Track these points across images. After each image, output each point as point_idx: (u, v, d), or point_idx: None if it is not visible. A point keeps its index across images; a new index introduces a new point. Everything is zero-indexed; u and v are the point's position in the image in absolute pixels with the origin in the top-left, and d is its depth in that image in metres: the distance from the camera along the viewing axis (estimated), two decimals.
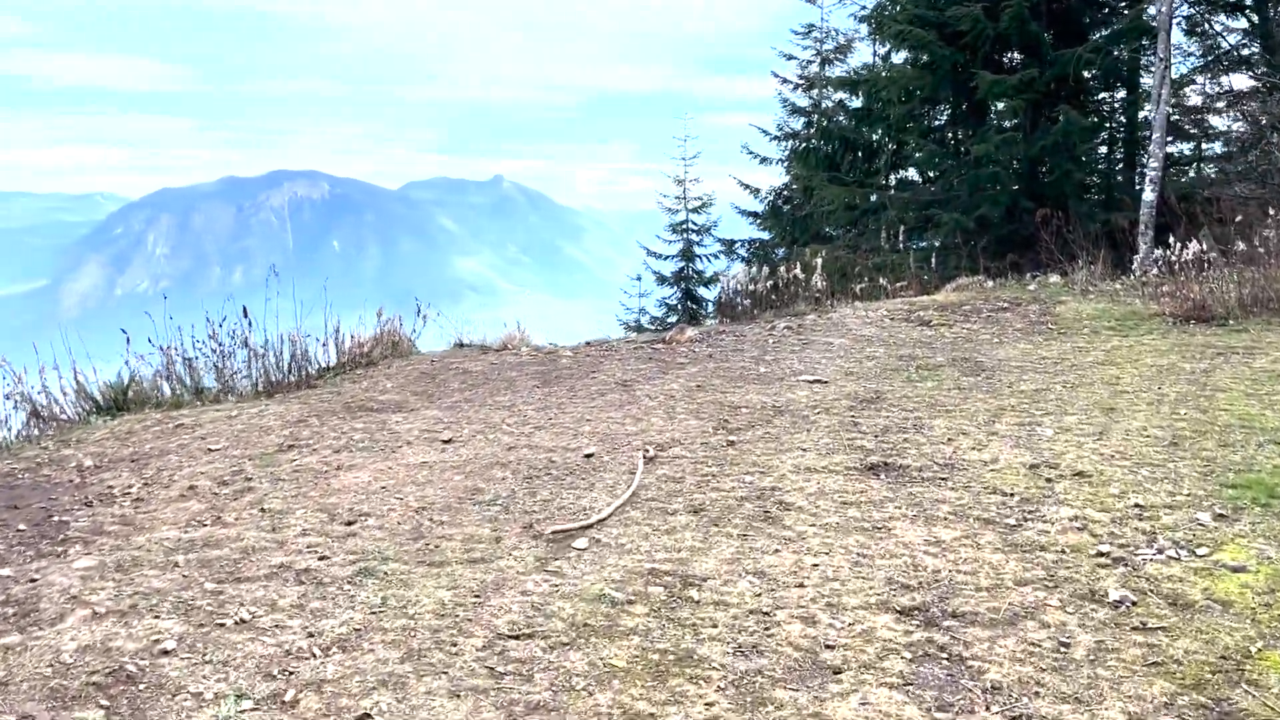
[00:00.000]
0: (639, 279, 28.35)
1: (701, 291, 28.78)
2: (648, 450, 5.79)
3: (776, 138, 27.78)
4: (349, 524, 4.57)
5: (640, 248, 29.38)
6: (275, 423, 6.60)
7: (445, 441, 5.98)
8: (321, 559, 4.12)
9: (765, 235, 28.57)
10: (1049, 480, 5.22)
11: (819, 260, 13.12)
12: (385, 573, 3.98)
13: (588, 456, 5.68)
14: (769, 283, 12.72)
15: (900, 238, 15.37)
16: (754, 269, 29.15)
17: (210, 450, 5.93)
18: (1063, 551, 4.26)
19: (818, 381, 7.78)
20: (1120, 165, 21.12)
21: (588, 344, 9.92)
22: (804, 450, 5.81)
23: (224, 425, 6.58)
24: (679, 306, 28.58)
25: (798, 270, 12.71)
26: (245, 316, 8.67)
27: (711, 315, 28.18)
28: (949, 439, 6.07)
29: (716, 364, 8.62)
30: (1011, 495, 5.00)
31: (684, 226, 28.69)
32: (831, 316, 11.55)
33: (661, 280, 28.46)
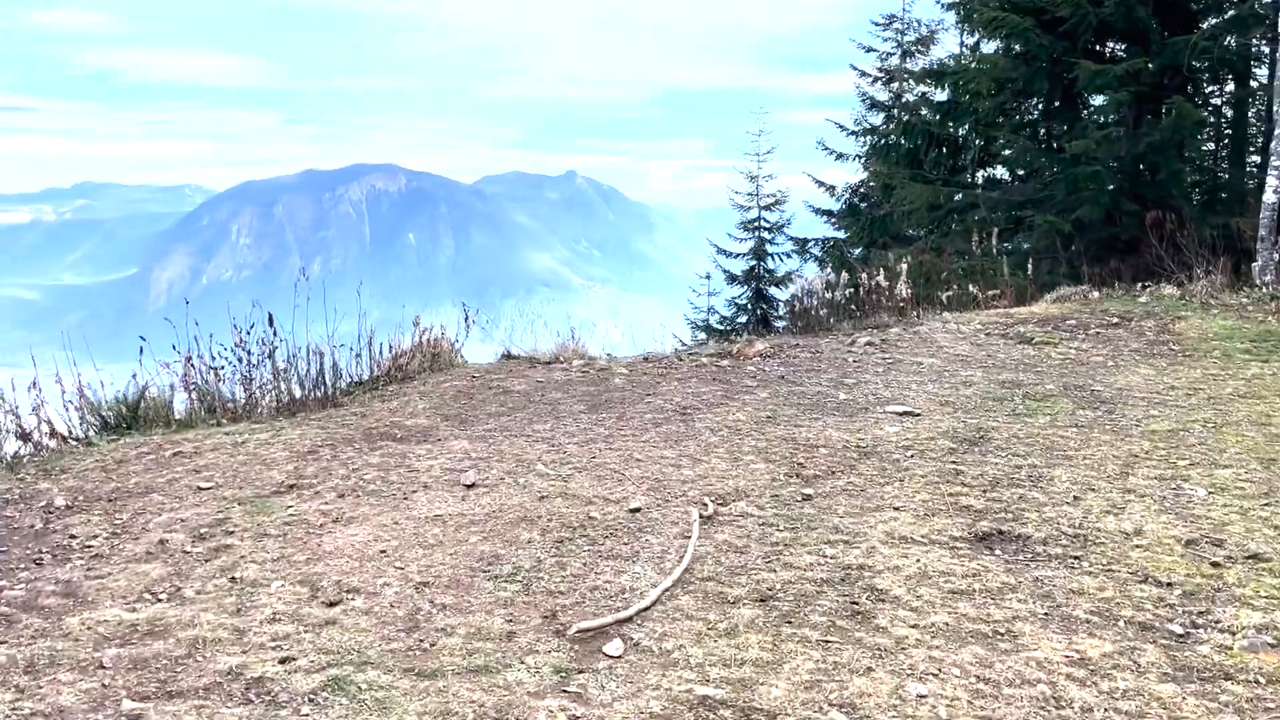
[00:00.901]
0: (708, 278, 27.36)
1: (773, 291, 27.67)
2: (706, 505, 4.81)
3: (854, 133, 26.51)
4: (331, 604, 3.69)
5: (710, 245, 28.40)
6: (282, 454, 5.79)
7: (468, 486, 5.08)
8: (284, 661, 3.24)
9: (840, 234, 27.34)
10: (1215, 565, 4.10)
11: (904, 265, 11.95)
12: (361, 685, 3.08)
13: (633, 511, 4.73)
14: (849, 290, 11.60)
15: (994, 240, 14.08)
16: (828, 271, 27.93)
17: (199, 490, 5.12)
18: (1257, 682, 3.17)
19: (908, 414, 6.70)
20: (1226, 164, 19.50)
21: (645, 358, 8.95)
22: (897, 509, 4.77)
23: (225, 456, 5.79)
24: (749, 306, 27.51)
25: (881, 277, 11.57)
26: (270, 325, 7.91)
27: (783, 318, 27.05)
28: (1075, 497, 4.96)
29: (789, 387, 7.58)
30: (1169, 586, 3.90)
31: (756, 224, 27.63)
32: (919, 330, 10.40)
33: (731, 279, 27.44)
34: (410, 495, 4.96)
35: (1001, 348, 9.37)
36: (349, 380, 8.29)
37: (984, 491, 5.05)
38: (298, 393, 7.58)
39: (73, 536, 4.49)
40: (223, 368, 7.94)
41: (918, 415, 6.67)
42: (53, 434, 6.71)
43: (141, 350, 7.54)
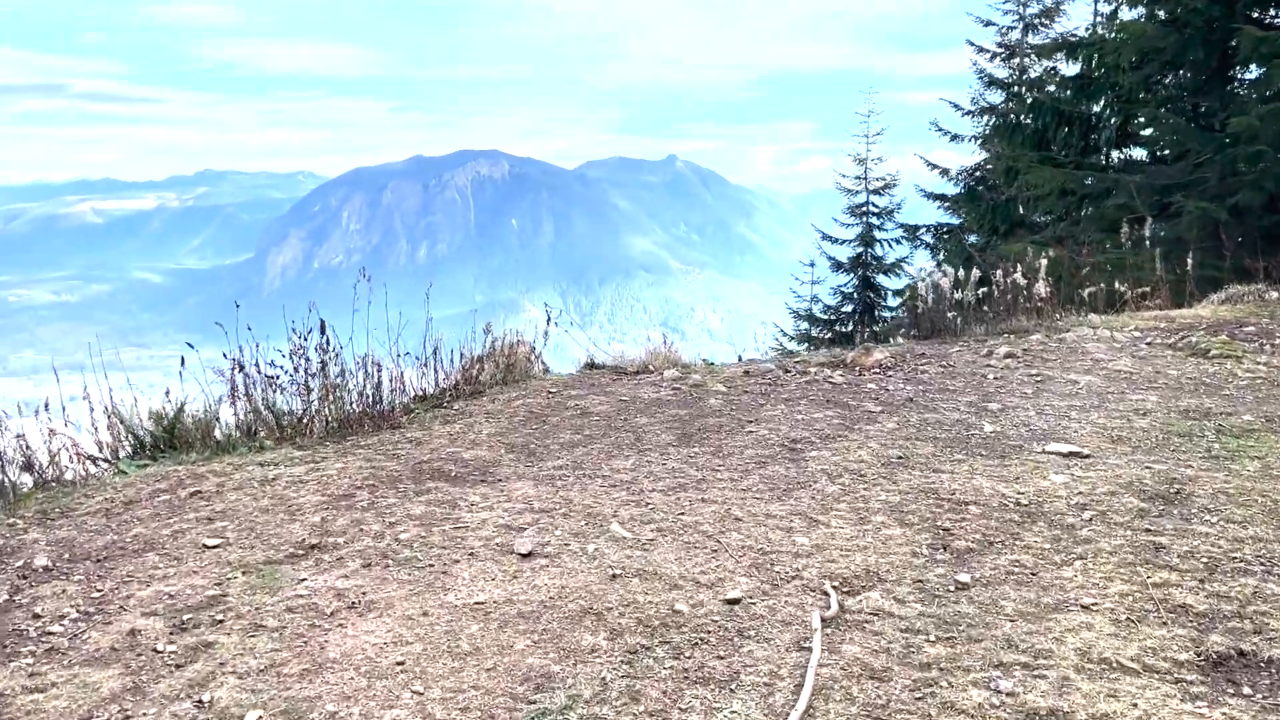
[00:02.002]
0: (811, 265, 26.02)
1: (880, 280, 26.14)
2: (827, 595, 3.67)
3: (970, 113, 24.73)
4: None
5: (815, 231, 26.98)
6: (313, 497, 4.86)
7: (523, 556, 4.05)
8: None
9: (953, 220, 25.59)
10: None
11: (1043, 261, 10.46)
12: None
13: (732, 603, 3.62)
14: (980, 290, 10.19)
15: (1145, 231, 12.40)
16: (947, 266, 26.27)
17: (204, 549, 4.23)
18: None
19: (1075, 455, 5.39)
20: None
21: (746, 371, 7.79)
22: (1086, 609, 3.54)
23: (248, 498, 4.90)
24: (855, 295, 26.03)
25: (1018, 275, 10.11)
26: (323, 333, 7.05)
27: (891, 309, 25.45)
28: None
29: (921, 414, 6.34)
30: None
31: (863, 209, 26.11)
32: (1065, 338, 8.96)
33: (837, 266, 26.01)
34: (451, 567, 3.95)
35: (1171, 362, 7.89)
36: (413, 394, 7.39)
37: (1200, 581, 3.77)
38: (352, 410, 6.69)
39: (37, 616, 3.63)
40: (278, 376, 7.13)
41: (1087, 457, 5.35)
42: (78, 458, 5.98)
43: (184, 361, 6.78)
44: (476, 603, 3.61)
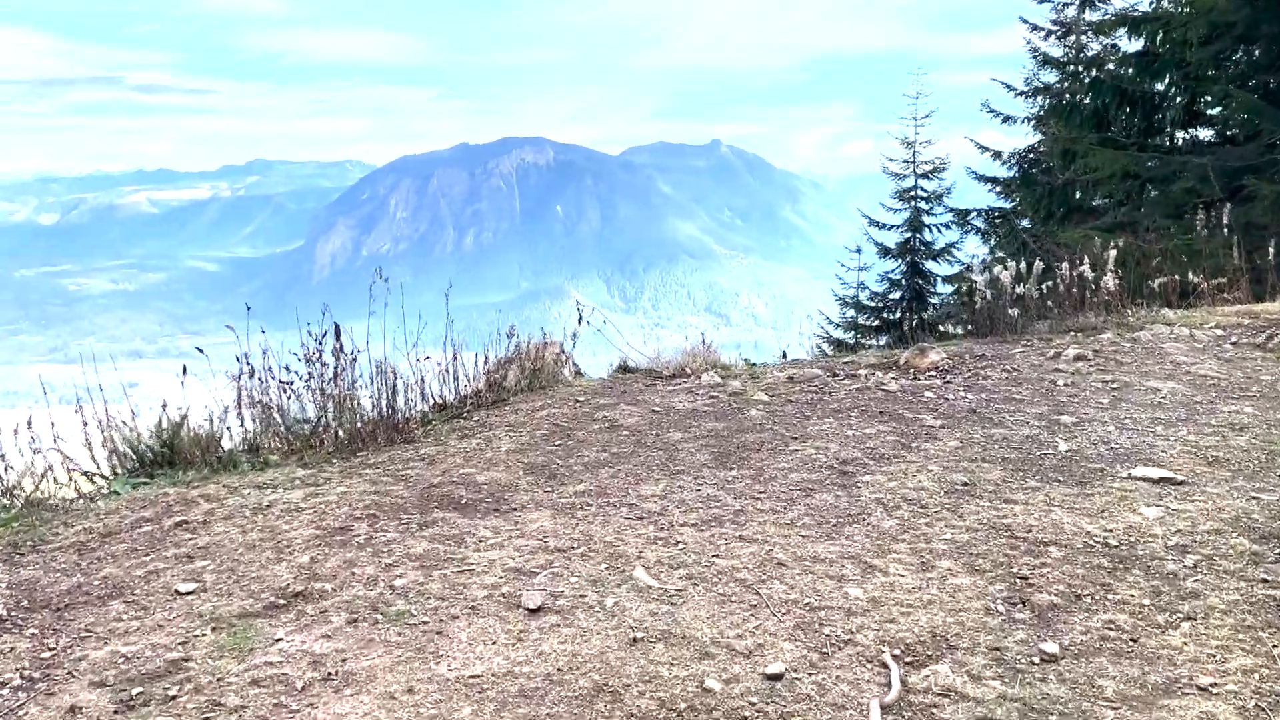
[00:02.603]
0: (858, 251, 25.26)
1: (929, 266, 25.30)
2: (886, 671, 3.09)
3: (1023, 93, 23.72)
4: None
5: (862, 216, 26.19)
6: (306, 530, 4.37)
7: (531, 611, 3.51)
8: None
9: (1004, 204, 24.65)
10: None
11: (1112, 251, 9.68)
12: None
13: (772, 679, 3.05)
14: (1044, 284, 9.44)
15: (1225, 216, 11.50)
16: (993, 247, 25.06)
17: (177, 595, 3.76)
18: None
19: (1167, 481, 4.72)
20: None
21: (791, 377, 7.17)
22: (1205, 693, 2.92)
23: (236, 530, 4.43)
24: (903, 281, 25.21)
25: (1086, 266, 9.35)
26: (337, 339, 6.57)
27: (943, 298, 24.57)
28: None
29: (985, 428, 5.69)
30: None
31: (911, 193, 25.24)
32: (1139, 337, 8.22)
33: (884, 252, 25.23)
34: (448, 625, 3.43)
35: (1262, 365, 7.13)
36: (431, 402, 6.90)
37: None
38: (364, 422, 6.20)
39: None
40: (292, 382, 6.68)
41: (1181, 484, 4.68)
42: (70, 476, 5.57)
43: (185, 369, 6.35)
44: (472, 676, 3.08)
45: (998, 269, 9.31)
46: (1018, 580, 3.70)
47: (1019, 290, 9.36)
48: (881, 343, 23.82)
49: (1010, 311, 9.21)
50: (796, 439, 5.58)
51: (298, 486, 5.09)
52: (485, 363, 7.35)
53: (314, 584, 3.79)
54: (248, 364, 6.55)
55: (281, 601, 3.66)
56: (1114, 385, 6.63)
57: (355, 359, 6.74)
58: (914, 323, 25.36)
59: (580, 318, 8.23)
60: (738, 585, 3.69)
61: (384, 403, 6.38)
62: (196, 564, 4.05)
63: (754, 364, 8.71)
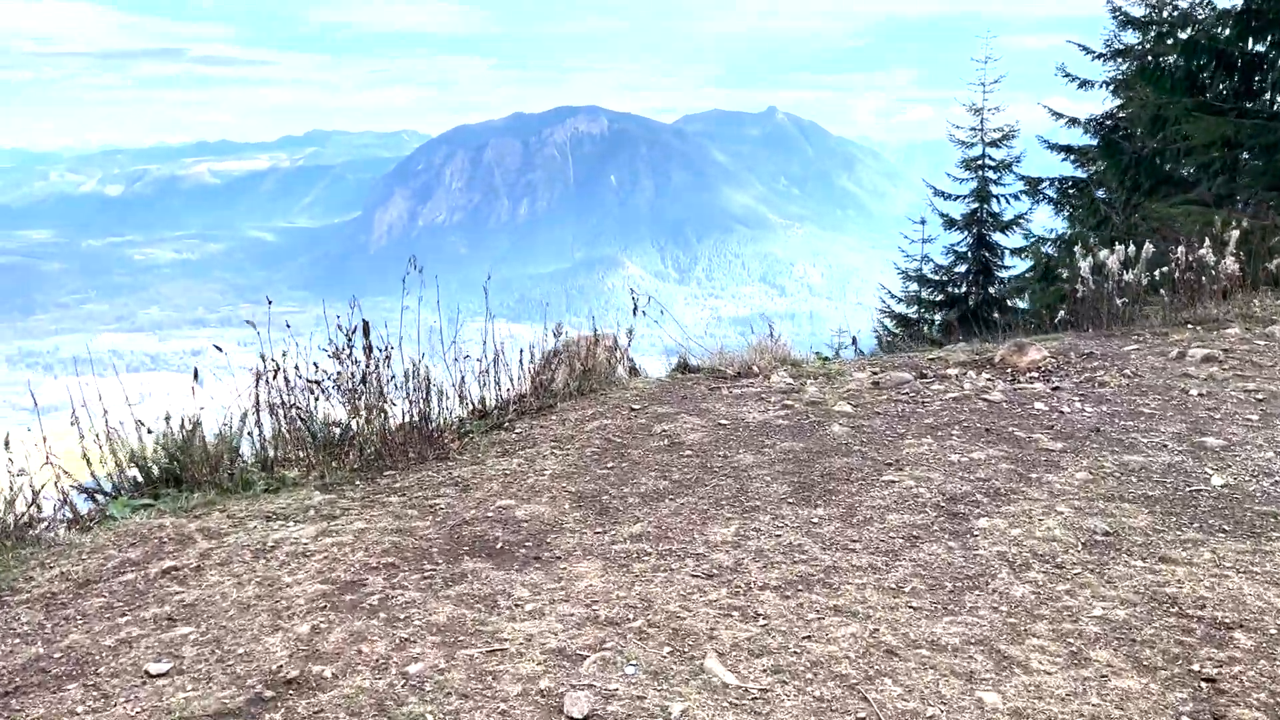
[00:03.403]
0: (922, 222, 24.13)
1: (997, 238, 24.06)
2: None
3: (1100, 55, 22.22)
4: None
5: (926, 186, 24.99)
6: (310, 586, 3.67)
7: None
8: None
9: (1079, 174, 23.25)
10: None
11: (1235, 232, 8.58)
12: None
13: None
14: (1158, 270, 8.40)
15: None
16: (1069, 218, 23.60)
17: (146, 677, 3.08)
18: None
19: None
20: None
21: (874, 378, 6.30)
22: None
23: (230, 584, 3.74)
24: (968, 254, 24.01)
25: (1206, 250, 8.28)
26: (366, 336, 5.86)
27: (1010, 271, 23.34)
28: None
29: (1115, 453, 4.79)
30: None
31: (979, 162, 23.93)
32: (1273, 332, 7.19)
33: (950, 224, 24.03)
34: None
35: None
36: (470, 408, 6.18)
37: None
38: (393, 433, 5.49)
39: None
40: (320, 381, 6.01)
41: None
42: (65, 502, 4.95)
43: (196, 374, 5.71)
44: None
45: (1104, 253, 8.29)
46: (1202, 684, 2.86)
47: (1127, 277, 8.33)
48: (942, 318, 22.80)
49: (1118, 302, 8.21)
50: (890, 465, 4.74)
51: (311, 520, 4.40)
52: (530, 360, 6.60)
53: (312, 666, 3.09)
54: (272, 362, 5.88)
55: (269, 694, 2.95)
56: (1259, 396, 5.67)
57: (389, 356, 6.04)
58: (980, 297, 24.24)
59: (635, 307, 7.43)
60: (838, 684, 2.90)
61: (416, 411, 5.66)
62: (178, 631, 3.37)
63: (827, 359, 7.86)
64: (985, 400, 5.79)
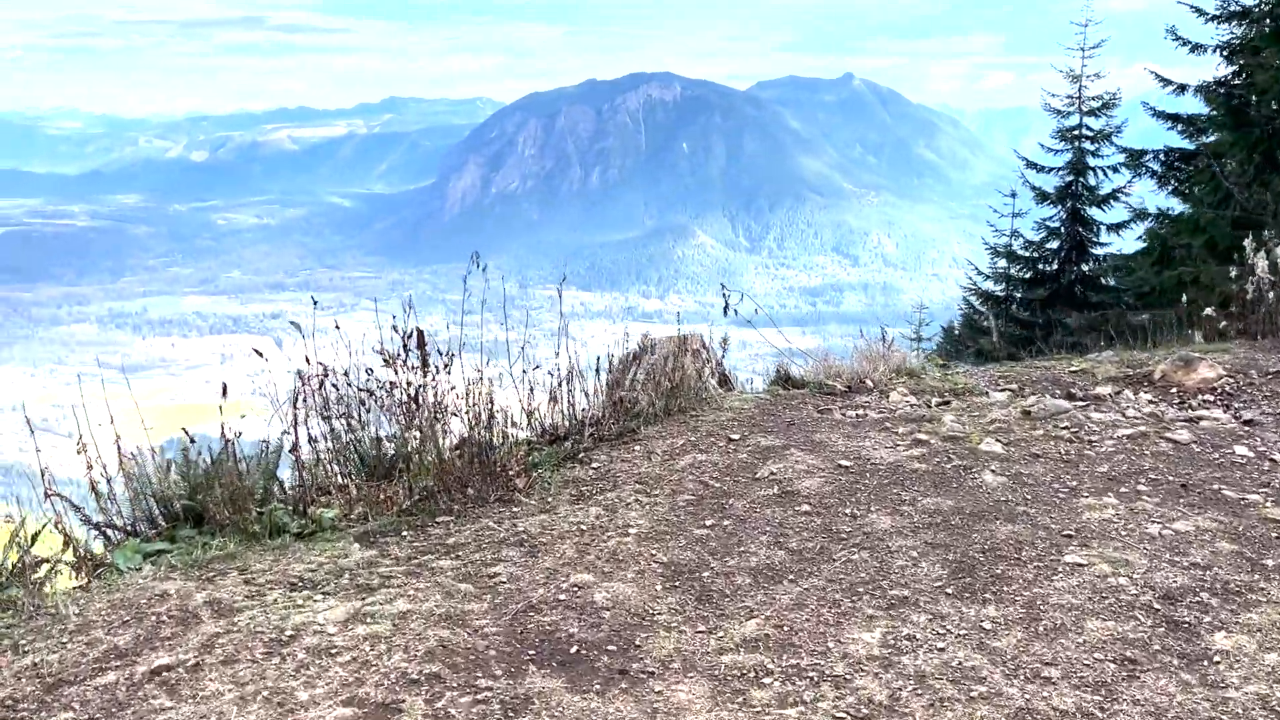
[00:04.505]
0: (1013, 196, 22.61)
1: (1093, 213, 22.41)
2: None
3: (1215, 17, 20.32)
4: None
5: (1018, 158, 23.36)
6: (333, 712, 2.82)
7: None
8: None
9: (1187, 145, 21.41)
10: None
11: None
12: None
13: None
14: None
15: None
16: (1174, 192, 21.72)
17: None
18: None
19: None
20: None
21: (1025, 409, 5.22)
22: None
23: (229, 695, 2.91)
24: (1061, 230, 22.42)
25: None
26: (421, 347, 5.00)
27: (1108, 250, 21.76)
28: None
29: None
30: None
31: (1075, 133, 22.19)
32: None
33: (1042, 198, 22.45)
34: None
35: None
36: (539, 430, 5.29)
37: None
38: (451, 463, 4.62)
39: None
40: (372, 391, 5.18)
41: None
42: (66, 544, 4.21)
43: (225, 390, 4.92)
44: None
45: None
46: None
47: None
48: (1036, 296, 21.49)
49: (1272, 296, 6.96)
50: (1071, 538, 3.71)
51: (343, 592, 3.55)
52: (608, 373, 5.68)
53: None
54: (319, 368, 5.06)
55: None
56: None
57: (448, 365, 5.18)
58: (1074, 275, 22.67)
59: (726, 305, 6.46)
60: None
61: (476, 437, 4.78)
62: None
63: (947, 368, 6.81)
64: (1169, 440, 4.69)
